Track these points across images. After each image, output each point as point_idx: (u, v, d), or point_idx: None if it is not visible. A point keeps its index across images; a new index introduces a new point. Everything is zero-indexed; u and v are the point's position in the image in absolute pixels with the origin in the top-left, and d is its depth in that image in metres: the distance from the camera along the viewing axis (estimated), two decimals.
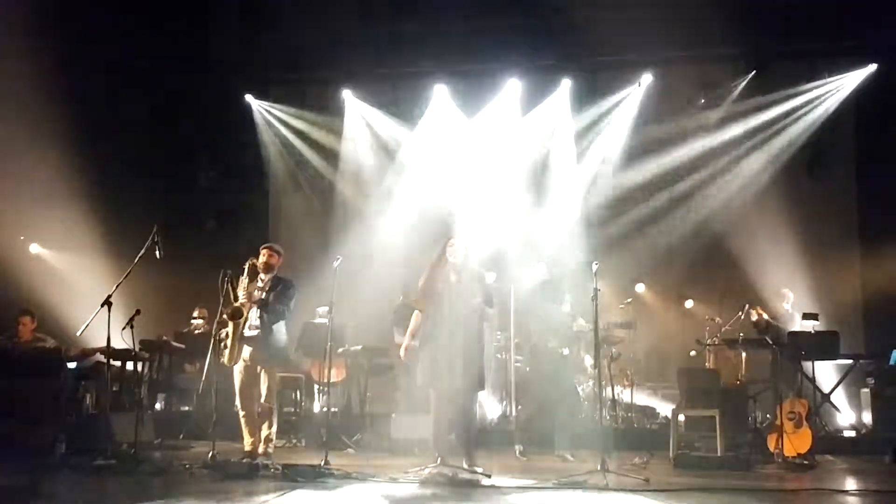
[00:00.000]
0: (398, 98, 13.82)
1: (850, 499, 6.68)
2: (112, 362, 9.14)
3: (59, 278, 12.27)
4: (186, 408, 11.29)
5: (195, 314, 11.66)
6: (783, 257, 11.94)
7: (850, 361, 10.53)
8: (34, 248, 12.93)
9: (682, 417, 9.36)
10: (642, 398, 11.65)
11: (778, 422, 8.65)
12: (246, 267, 7.98)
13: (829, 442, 9.74)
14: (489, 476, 7.15)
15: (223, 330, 7.89)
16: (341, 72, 13.54)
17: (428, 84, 13.36)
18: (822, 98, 12.66)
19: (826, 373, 10.81)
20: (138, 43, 12.33)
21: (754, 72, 12.69)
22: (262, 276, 8.03)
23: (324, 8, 11.95)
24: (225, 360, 7.83)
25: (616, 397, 10.91)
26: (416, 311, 7.84)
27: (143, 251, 7.99)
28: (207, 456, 7.59)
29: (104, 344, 7.88)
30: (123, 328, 7.82)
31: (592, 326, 8.80)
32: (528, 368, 9.83)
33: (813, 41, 12.52)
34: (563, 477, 7.07)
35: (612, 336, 10.74)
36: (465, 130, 13.42)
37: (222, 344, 7.85)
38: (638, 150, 13.00)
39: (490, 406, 11.24)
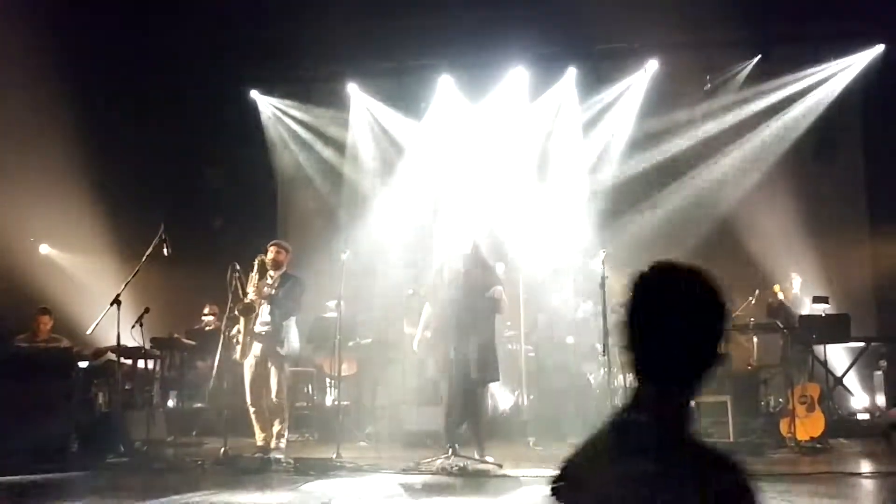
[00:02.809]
0: (404, 91, 13.78)
1: (864, 481, 6.67)
2: (123, 360, 9.20)
3: (69, 279, 12.31)
4: (199, 404, 11.32)
5: (206, 311, 11.71)
6: (792, 241, 11.88)
7: (861, 344, 10.48)
8: (44, 249, 12.98)
9: (693, 403, 9.31)
10: None
11: (790, 406, 8.63)
12: (255, 263, 8.01)
13: (842, 425, 9.70)
14: (501, 466, 7.16)
15: (234, 326, 7.93)
16: (346, 66, 13.52)
17: (433, 76, 13.33)
18: (829, 80, 12.57)
19: (838, 356, 10.77)
20: (143, 40, 12.34)
21: (759, 56, 12.61)
22: (270, 272, 8.05)
23: (328, 2, 11.92)
24: (237, 355, 7.88)
25: (627, 385, 10.90)
26: (426, 304, 7.85)
27: (150, 249, 8.01)
28: (220, 452, 7.62)
29: (114, 342, 7.92)
30: (133, 326, 7.87)
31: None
32: (534, 358, 9.80)
33: (818, 23, 12.44)
34: None
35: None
36: (472, 121, 13.39)
37: (234, 340, 7.90)
38: (644, 136, 12.95)
39: (502, 397, 11.25)
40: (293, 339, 8.05)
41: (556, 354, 8.97)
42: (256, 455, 7.73)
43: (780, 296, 10.72)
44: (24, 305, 10.62)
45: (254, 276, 7.98)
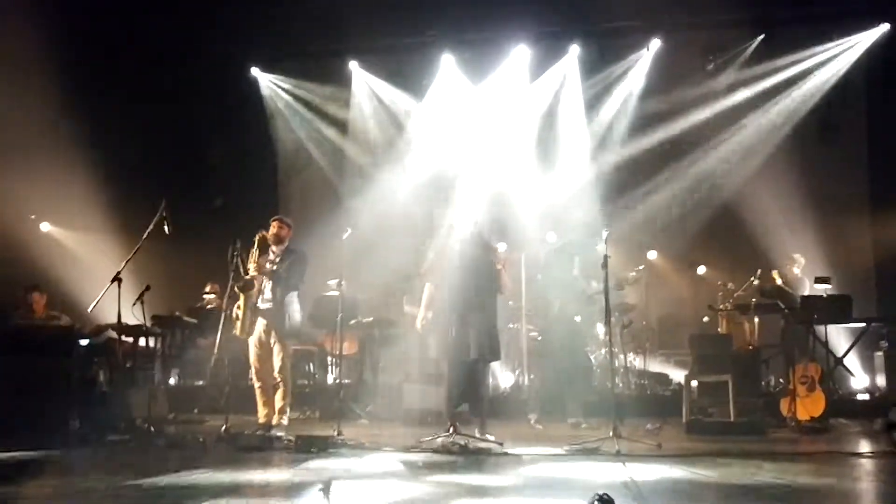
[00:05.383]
0: (405, 68, 13.73)
1: (864, 461, 6.66)
2: (124, 338, 9.18)
3: (70, 256, 12.32)
4: (200, 382, 11.34)
5: (207, 289, 11.72)
6: (795, 222, 11.87)
7: (862, 325, 10.47)
8: (45, 227, 12.98)
9: (694, 383, 9.33)
10: (655, 365, 11.64)
11: (791, 386, 8.64)
12: (256, 240, 7.97)
13: (842, 405, 9.70)
14: (501, 444, 7.16)
15: (235, 304, 7.92)
16: (347, 43, 13.46)
17: (435, 53, 13.27)
18: (833, 60, 12.51)
19: (839, 336, 10.77)
20: (144, 19, 12.27)
21: (763, 35, 12.55)
22: (273, 248, 8.03)
23: None
24: (237, 331, 7.87)
25: (628, 364, 10.91)
26: (428, 283, 7.84)
27: (151, 227, 7.98)
28: (221, 429, 7.62)
29: (115, 320, 7.91)
30: (133, 304, 7.86)
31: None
32: (539, 338, 9.78)
33: (822, 3, 12.37)
34: (576, 444, 7.08)
35: (625, 304, 10.72)
36: (474, 99, 13.34)
37: (235, 317, 7.89)
38: (648, 116, 12.91)
39: (503, 376, 11.26)
40: (296, 315, 8.04)
41: (566, 334, 8.94)
42: (258, 432, 7.73)
43: (779, 281, 10.71)
44: (25, 282, 10.61)
45: (254, 252, 7.95)
